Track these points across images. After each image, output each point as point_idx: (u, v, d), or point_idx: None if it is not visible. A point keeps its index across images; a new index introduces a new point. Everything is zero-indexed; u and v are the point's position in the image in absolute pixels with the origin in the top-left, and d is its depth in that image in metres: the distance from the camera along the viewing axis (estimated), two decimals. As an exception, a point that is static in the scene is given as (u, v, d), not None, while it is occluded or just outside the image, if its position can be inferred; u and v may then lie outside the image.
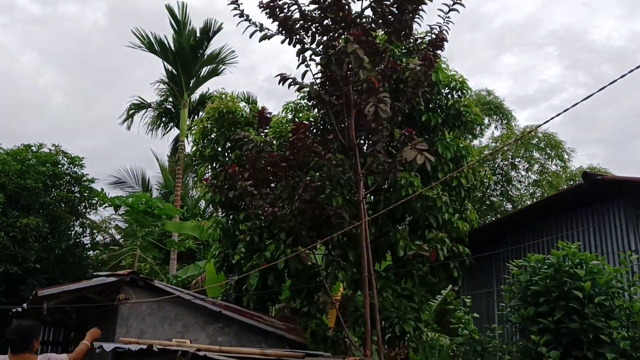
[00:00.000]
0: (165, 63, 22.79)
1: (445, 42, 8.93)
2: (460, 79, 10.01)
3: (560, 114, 4.84)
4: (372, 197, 9.84)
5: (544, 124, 5.42)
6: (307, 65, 8.62)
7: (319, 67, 8.71)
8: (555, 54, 54.52)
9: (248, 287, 8.98)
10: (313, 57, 8.56)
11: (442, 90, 10.00)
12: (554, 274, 6.17)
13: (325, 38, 8.41)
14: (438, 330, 10.26)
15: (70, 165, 12.38)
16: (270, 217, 8.54)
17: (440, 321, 12.60)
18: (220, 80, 35.92)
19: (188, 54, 22.05)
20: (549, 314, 6.02)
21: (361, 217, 8.17)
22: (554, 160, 21.20)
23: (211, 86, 28.68)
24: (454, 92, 10.06)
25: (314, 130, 10.52)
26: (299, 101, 11.62)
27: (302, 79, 8.77)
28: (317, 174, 9.10)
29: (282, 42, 8.63)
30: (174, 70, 23.02)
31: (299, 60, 8.58)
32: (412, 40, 9.43)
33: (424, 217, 9.18)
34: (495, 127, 22.75)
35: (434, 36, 9.07)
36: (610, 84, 4.41)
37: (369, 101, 7.82)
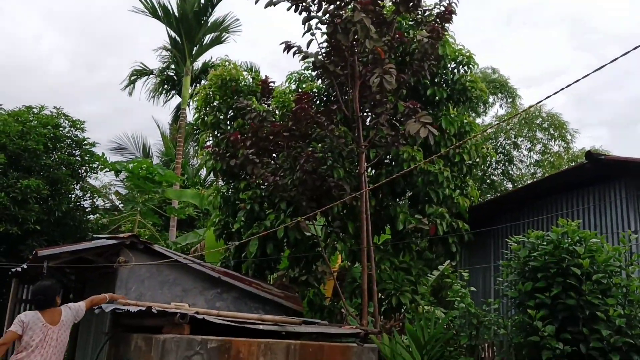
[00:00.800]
0: (168, 29, 22.54)
1: (453, 15, 8.80)
2: (467, 54, 9.91)
3: (559, 91, 4.79)
4: (373, 171, 9.84)
5: (544, 100, 5.38)
6: (313, 34, 8.51)
7: (325, 36, 8.62)
8: (563, 34, 54.04)
9: (247, 254, 9.03)
10: (319, 25, 8.44)
11: (449, 65, 9.92)
12: (553, 251, 6.20)
13: (332, 7, 8.28)
14: (434, 304, 10.35)
15: (72, 129, 12.32)
16: (271, 186, 8.53)
17: (436, 295, 12.70)
18: (224, 50, 35.57)
19: (192, 20, 21.78)
20: (546, 290, 6.06)
21: (362, 190, 8.17)
22: (557, 140, 21.14)
23: (214, 55, 28.47)
24: (461, 66, 9.97)
25: (317, 102, 10.46)
26: (302, 72, 11.53)
27: (307, 48, 8.67)
28: (319, 145, 9.07)
29: (288, 9, 8.49)
30: (177, 37, 22.78)
31: (304, 28, 8.46)
32: (420, 12, 9.30)
33: (424, 191, 9.18)
34: (500, 106, 22.66)
35: (442, 8, 8.94)
36: (611, 62, 4.37)
37: (374, 72, 7.74)
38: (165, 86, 24.93)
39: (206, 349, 5.32)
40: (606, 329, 5.73)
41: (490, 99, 22.05)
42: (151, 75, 24.65)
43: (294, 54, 8.69)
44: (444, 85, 9.98)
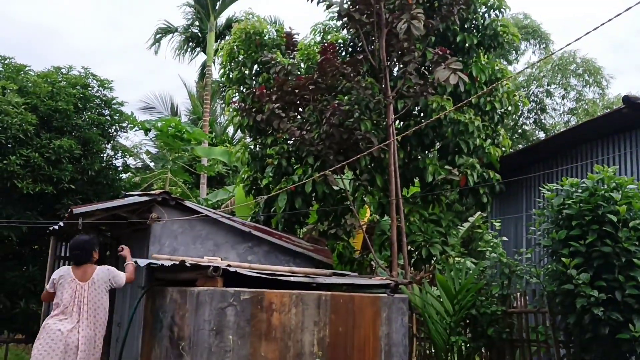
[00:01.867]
0: (191, -16, 22.31)
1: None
2: (499, -4, 9.54)
3: (590, 32, 4.59)
4: (401, 123, 9.69)
5: (573, 42, 5.17)
6: (338, -19, 8.29)
7: (350, -17, 8.38)
8: (598, -25, 51.68)
9: (276, 209, 9.07)
10: (344, -29, 8.21)
11: (479, 9, 9.57)
12: (588, 198, 6.05)
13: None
14: (465, 255, 10.32)
15: (100, 88, 12.35)
16: (298, 140, 8.48)
17: (466, 247, 12.67)
18: (247, 3, 35.12)
19: (214, -25, 21.48)
20: (581, 238, 5.95)
21: (390, 142, 8.06)
22: (592, 87, 20.52)
23: (238, 10, 28.14)
24: (492, 10, 9.60)
25: (343, 53, 10.26)
26: (327, 22, 11.29)
27: (332, -4, 8.47)
28: (346, 97, 8.94)
29: (312, -44, 8.26)
30: (200, -8, 22.56)
31: (328, -25, 8.24)
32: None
33: (454, 142, 9.02)
34: (533, 52, 22.01)
35: (471, -51, 8.58)
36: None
37: (401, 18, 7.53)
38: (190, 44, 24.84)
39: (239, 300, 5.40)
40: (643, 276, 5.63)
41: (522, 46, 21.43)
42: (176, 33, 24.56)
43: (318, 2, 8.50)
44: (474, 30, 9.65)
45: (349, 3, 8.35)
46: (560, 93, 21.06)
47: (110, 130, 12.29)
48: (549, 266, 6.57)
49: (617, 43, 50.78)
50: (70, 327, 5.45)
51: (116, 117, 12.34)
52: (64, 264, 8.89)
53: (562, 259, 5.92)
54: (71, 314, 5.51)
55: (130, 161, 17.37)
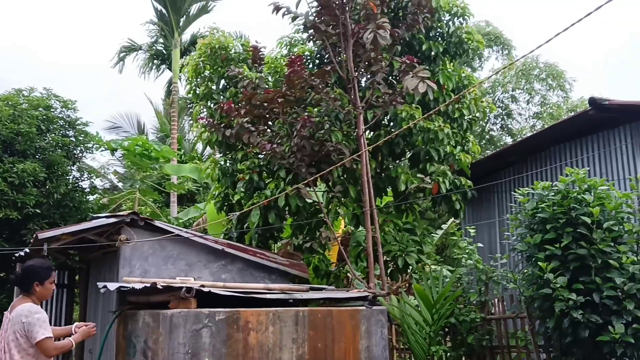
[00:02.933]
0: (153, 2, 22.12)
1: (446, -35, 8.52)
2: (462, 5, 9.62)
3: (552, 38, 4.62)
4: (372, 133, 9.67)
5: (536, 49, 5.19)
6: (302, -7, 8.26)
7: (314, -6, 8.36)
8: (555, -18, 53.06)
9: (249, 225, 8.93)
10: (308, -17, 8.17)
11: (443, 17, 9.65)
12: (561, 201, 6.07)
13: (320, -37, 8.00)
14: (440, 263, 10.31)
15: (63, 109, 12.10)
16: (268, 154, 8.38)
17: (441, 254, 12.70)
18: (211, 19, 34.99)
19: (176, -10, 21.36)
20: (556, 241, 5.95)
21: (361, 153, 8.02)
22: (556, 90, 20.91)
23: (202, 26, 28.01)
24: (456, 18, 9.69)
25: (310, 65, 10.22)
26: (293, 35, 11.26)
27: (297, 8, 8.44)
28: (315, 109, 8.89)
29: (275, -32, 8.22)
30: (163, 10, 22.38)
31: (293, -13, 8.21)
32: (411, -37, 9.00)
33: (425, 150, 9.03)
34: (496, 59, 22.34)
35: (434, -42, 8.65)
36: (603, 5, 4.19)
37: (367, 28, 7.51)
38: (155, 61, 24.62)
39: (214, 321, 5.25)
40: (619, 277, 5.64)
41: (486, 53, 21.75)
42: (140, 51, 24.29)
43: (283, 15, 8.45)
44: (440, 38, 9.72)
45: (314, 15, 8.32)
46: (525, 98, 21.41)
47: (75, 151, 12.03)
48: (526, 271, 6.57)
49: (579, 45, 52.14)
50: None
51: (81, 138, 12.09)
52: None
53: (539, 263, 5.92)
54: None
55: (98, 182, 17.02)
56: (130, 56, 24.22)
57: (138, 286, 5.58)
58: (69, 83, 52.26)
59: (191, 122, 25.00)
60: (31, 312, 4.53)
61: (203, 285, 5.55)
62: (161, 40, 23.93)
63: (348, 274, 10.16)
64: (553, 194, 6.21)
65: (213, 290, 5.47)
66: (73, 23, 60.12)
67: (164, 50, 24.05)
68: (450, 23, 9.75)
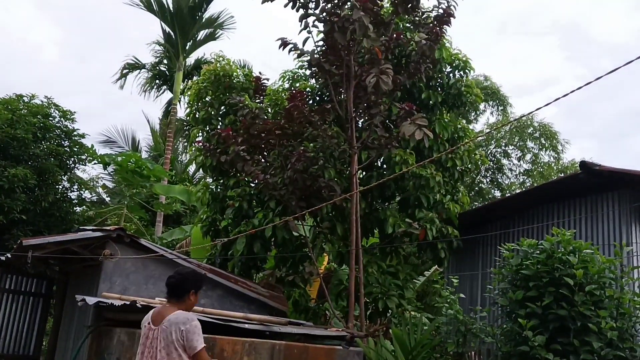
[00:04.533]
0: (162, 23, 22.38)
1: (452, 18, 8.76)
2: (464, 58, 9.87)
3: (551, 103, 4.76)
4: (364, 173, 9.76)
5: (534, 111, 5.34)
6: (309, 32, 8.44)
7: (321, 34, 8.54)
8: (555, 44, 54.41)
9: (234, 252, 8.91)
10: (316, 23, 8.36)
11: (444, 69, 9.87)
12: (545, 260, 6.14)
13: (329, 5, 8.19)
14: (420, 309, 10.28)
15: (62, 119, 12.14)
16: (260, 184, 8.42)
17: (421, 301, 12.66)
18: (217, 47, 35.46)
19: (186, 15, 21.64)
20: (538, 299, 6.00)
21: (352, 191, 8.09)
22: (548, 150, 21.21)
23: (207, 52, 28.31)
24: (457, 71, 9.92)
25: (311, 101, 10.37)
26: (296, 70, 11.44)
27: (303, 45, 8.61)
28: (311, 144, 8.98)
29: (286, 5, 8.40)
30: (170, 32, 22.62)
31: (301, 25, 8.39)
32: (418, 14, 9.23)
33: (415, 195, 9.11)
34: (491, 113, 22.70)
35: (441, 11, 8.89)
36: (603, 75, 4.34)
37: (370, 72, 7.67)
38: (157, 81, 24.75)
39: (190, 346, 5.19)
40: (597, 341, 5.68)
41: (481, 106, 22.11)
42: (143, 70, 24.45)
43: (290, 51, 8.61)
44: (439, 89, 9.93)
45: (319, 53, 8.48)
46: (517, 154, 21.71)
47: (68, 161, 12.02)
48: (505, 326, 6.59)
49: (570, 108, 53.13)
50: None
51: (76, 149, 12.09)
52: (7, 297, 8.48)
53: (519, 319, 5.95)
54: None
55: (86, 194, 16.92)
56: (133, 74, 24.37)
57: (117, 303, 5.54)
58: (68, 94, 52.38)
59: (186, 144, 25.10)
60: (189, 320, 4.12)
61: (182, 309, 5.50)
62: (165, 61, 24.13)
63: (327, 312, 10.10)
64: (538, 252, 6.29)
65: (192, 314, 5.42)
66: (80, 32, 60.60)
67: (166, 72, 24.23)
68: (451, 75, 9.97)
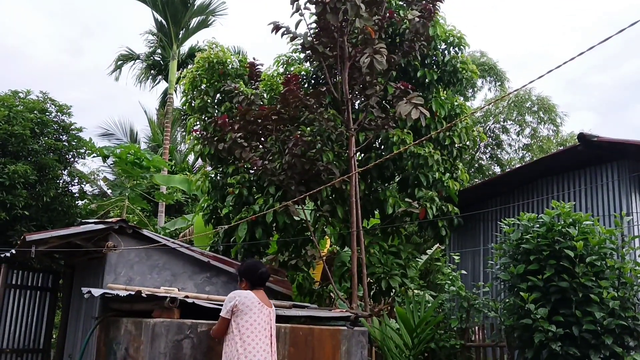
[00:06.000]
0: (154, 13, 22.25)
1: (445, -5, 8.71)
2: (459, 35, 9.81)
3: (547, 73, 4.74)
4: (362, 155, 9.77)
5: (533, 82, 5.29)
6: (301, 15, 8.38)
7: (314, 17, 8.51)
8: (552, 16, 54.04)
9: (236, 239, 8.96)
10: (307, 5, 8.31)
11: (439, 46, 9.83)
12: (545, 233, 6.18)
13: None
14: (423, 287, 10.37)
15: (58, 114, 12.12)
16: (259, 170, 8.44)
17: (424, 279, 12.74)
18: (210, 33, 35.20)
19: (178, 3, 21.52)
20: (539, 272, 6.04)
21: (351, 175, 8.11)
22: (547, 124, 21.18)
23: (201, 39, 28.19)
24: (451, 48, 9.87)
25: (306, 85, 10.35)
26: (290, 54, 11.40)
27: (296, 28, 8.56)
28: (308, 128, 8.99)
29: (277, -11, 8.36)
30: (162, 21, 22.51)
31: (292, 8, 8.34)
32: (411, -9, 9.18)
33: (414, 175, 9.14)
34: (489, 89, 22.61)
35: (434, -13, 8.83)
36: (596, 45, 4.32)
37: (364, 52, 7.65)
38: (152, 71, 24.66)
39: (196, 332, 5.27)
40: (599, 311, 5.73)
41: (479, 83, 22.05)
42: (137, 60, 24.36)
43: (282, 34, 8.58)
44: (434, 66, 9.89)
45: (312, 36, 8.46)
46: (515, 129, 21.68)
47: (67, 156, 12.02)
48: (507, 300, 6.65)
49: (568, 80, 52.91)
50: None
51: (74, 143, 12.09)
52: (14, 293, 8.55)
53: (521, 293, 6.00)
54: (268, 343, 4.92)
55: (87, 188, 16.98)
56: (127, 65, 24.28)
57: (122, 293, 5.59)
58: (63, 88, 52.21)
59: (184, 133, 25.07)
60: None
61: (187, 296, 5.58)
62: (159, 51, 24.02)
63: (331, 294, 10.18)
64: (538, 225, 6.32)
65: (197, 301, 5.50)
66: (72, 24, 60.24)
67: (161, 61, 24.14)
68: (446, 52, 9.92)
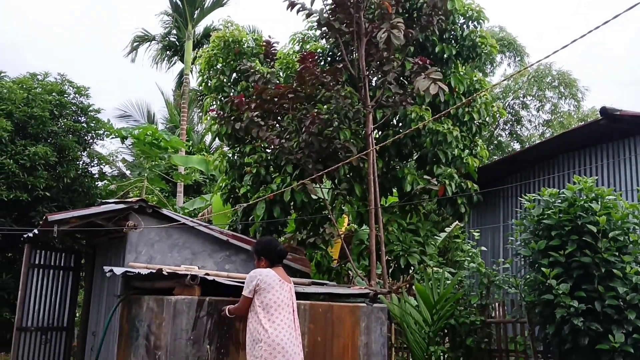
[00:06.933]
0: (169, -7, 22.21)
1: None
2: (477, 9, 9.63)
3: (567, 46, 4.60)
4: (380, 132, 9.70)
5: (549, 56, 5.17)
6: (318, -10, 8.29)
7: (330, -8, 8.39)
8: (571, -9, 52.84)
9: (254, 218, 8.99)
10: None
11: (458, 20, 9.65)
12: (567, 208, 6.09)
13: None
14: (442, 265, 10.34)
15: (76, 95, 12.20)
16: (276, 149, 8.43)
17: (443, 257, 12.71)
18: (225, 12, 35.07)
19: (193, -18, 21.44)
20: (560, 248, 5.97)
21: (369, 152, 8.06)
22: (567, 99, 20.84)
23: (215, 19, 28.09)
24: (470, 22, 9.70)
25: (322, 62, 10.26)
26: (306, 32, 11.30)
27: (312, 5, 8.47)
28: (325, 106, 8.93)
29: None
30: (178, 1, 22.46)
31: (308, -16, 8.24)
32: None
33: (433, 152, 9.06)
34: (508, 65, 22.25)
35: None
36: (611, 19, 4.18)
37: (381, 27, 7.54)
38: (168, 52, 24.69)
39: (217, 309, 5.32)
40: (622, 286, 5.66)
41: (498, 58, 21.70)
42: (153, 42, 24.39)
43: (298, 11, 8.49)
44: (453, 41, 9.73)
45: (328, 12, 8.35)
46: (535, 105, 21.37)
47: (86, 137, 12.12)
48: (528, 276, 6.59)
49: (592, 54, 51.90)
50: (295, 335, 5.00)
51: (92, 125, 12.17)
52: (38, 272, 8.68)
53: (542, 269, 5.94)
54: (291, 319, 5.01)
55: (106, 169, 17.13)
56: (143, 46, 24.33)
57: (144, 272, 5.65)
58: (81, 68, 52.52)
59: (200, 114, 25.13)
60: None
61: (207, 274, 5.62)
62: (174, 31, 24.00)
63: (349, 272, 10.21)
64: (560, 201, 6.23)
65: (217, 279, 5.54)
66: (87, 8, 60.40)
67: (176, 42, 24.13)
68: (465, 26, 9.76)
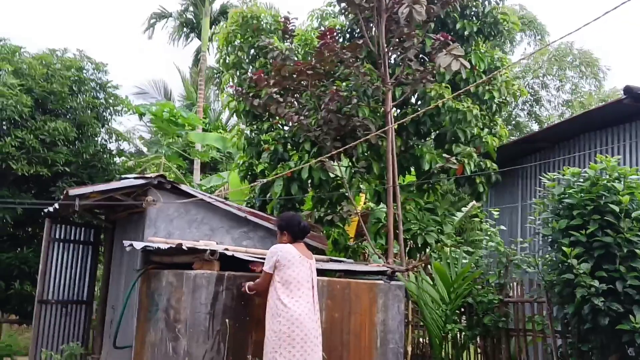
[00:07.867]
0: (186, -31, 22.09)
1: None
2: (499, -17, 9.47)
3: (588, 24, 4.49)
4: (399, 110, 9.62)
5: (577, 30, 5.02)
6: (337, -35, 8.17)
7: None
8: (594, -32, 51.68)
9: (272, 195, 9.00)
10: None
11: (479, -4, 9.50)
12: (589, 188, 6.00)
13: None
14: (460, 244, 10.30)
15: (95, 71, 12.23)
16: (295, 126, 8.41)
17: (460, 236, 12.67)
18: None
19: (210, -42, 21.28)
20: (582, 228, 5.90)
21: (388, 129, 8.00)
22: (588, 79, 20.49)
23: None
24: (492, -2, 9.54)
25: (341, 39, 10.16)
26: (325, 8, 11.19)
27: (332, -20, 8.36)
28: (344, 83, 8.86)
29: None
30: (194, -24, 22.38)
31: (328, -41, 8.12)
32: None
33: (452, 131, 8.97)
34: (528, 44, 21.89)
35: None
36: None
37: (402, 3, 7.43)
38: (185, 29, 24.65)
39: (236, 284, 5.35)
40: (645, 266, 5.59)
41: (518, 37, 21.35)
42: (170, 18, 24.35)
43: (319, -14, 8.38)
44: (474, 18, 9.58)
45: (349, -13, 8.24)
46: (555, 85, 21.04)
47: (105, 113, 12.17)
48: (548, 256, 6.54)
49: (614, 34, 50.84)
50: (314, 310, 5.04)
51: (111, 101, 12.21)
52: (58, 246, 8.80)
53: (563, 248, 5.88)
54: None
55: (124, 146, 17.25)
56: (160, 23, 24.31)
57: (164, 246, 5.69)
58: (98, 47, 52.63)
59: (217, 91, 25.13)
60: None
61: (227, 249, 5.64)
62: (191, 8, 23.93)
63: (366, 250, 10.21)
64: (582, 180, 6.15)
65: (236, 254, 5.56)
66: (104, -13, 60.22)
67: (193, 19, 24.06)
68: (486, 2, 9.59)
